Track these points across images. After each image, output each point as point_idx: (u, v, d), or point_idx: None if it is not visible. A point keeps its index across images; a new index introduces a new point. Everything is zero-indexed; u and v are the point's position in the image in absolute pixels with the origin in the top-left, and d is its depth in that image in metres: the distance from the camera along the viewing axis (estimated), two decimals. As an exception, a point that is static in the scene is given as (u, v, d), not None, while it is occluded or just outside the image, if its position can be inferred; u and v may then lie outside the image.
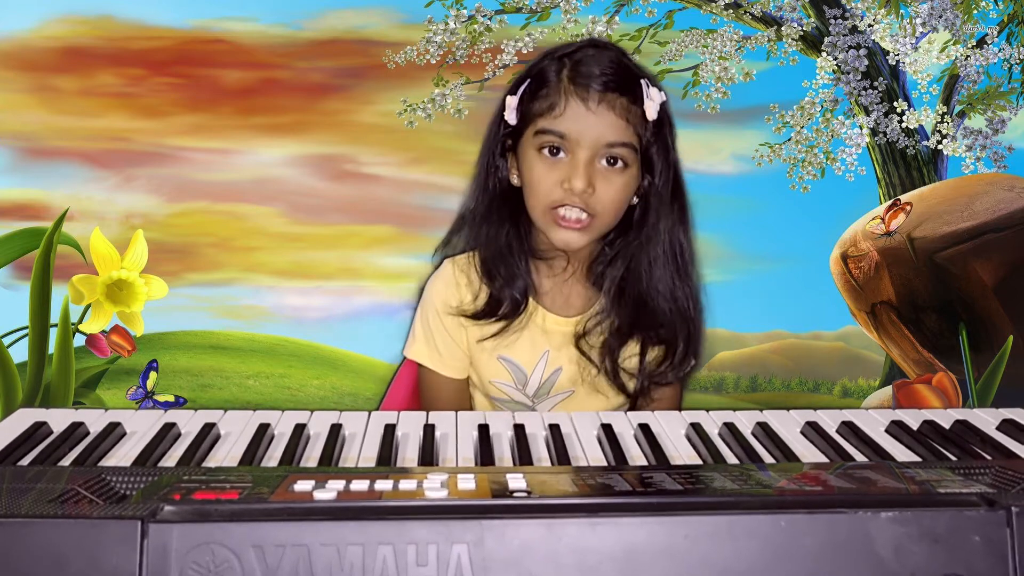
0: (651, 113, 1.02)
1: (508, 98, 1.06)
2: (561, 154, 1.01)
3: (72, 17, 1.68)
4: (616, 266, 1.08)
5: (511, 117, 1.05)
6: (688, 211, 1.10)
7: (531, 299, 1.11)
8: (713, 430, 0.83)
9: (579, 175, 0.99)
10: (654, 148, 1.04)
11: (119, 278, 1.73)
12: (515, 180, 1.09)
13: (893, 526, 0.54)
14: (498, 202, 1.10)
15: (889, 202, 1.82)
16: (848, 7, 1.78)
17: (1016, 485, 0.59)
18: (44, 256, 1.71)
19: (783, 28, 1.78)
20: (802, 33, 1.78)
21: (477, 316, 1.10)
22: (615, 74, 1.01)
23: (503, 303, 1.09)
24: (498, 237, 1.09)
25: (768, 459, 0.76)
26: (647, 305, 1.07)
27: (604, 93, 1.00)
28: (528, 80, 1.05)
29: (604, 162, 1.01)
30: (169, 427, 0.80)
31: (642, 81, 1.02)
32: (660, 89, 1.04)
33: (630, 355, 1.10)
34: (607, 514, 0.54)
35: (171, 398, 1.77)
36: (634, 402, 1.12)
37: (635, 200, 1.08)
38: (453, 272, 1.14)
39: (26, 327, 1.73)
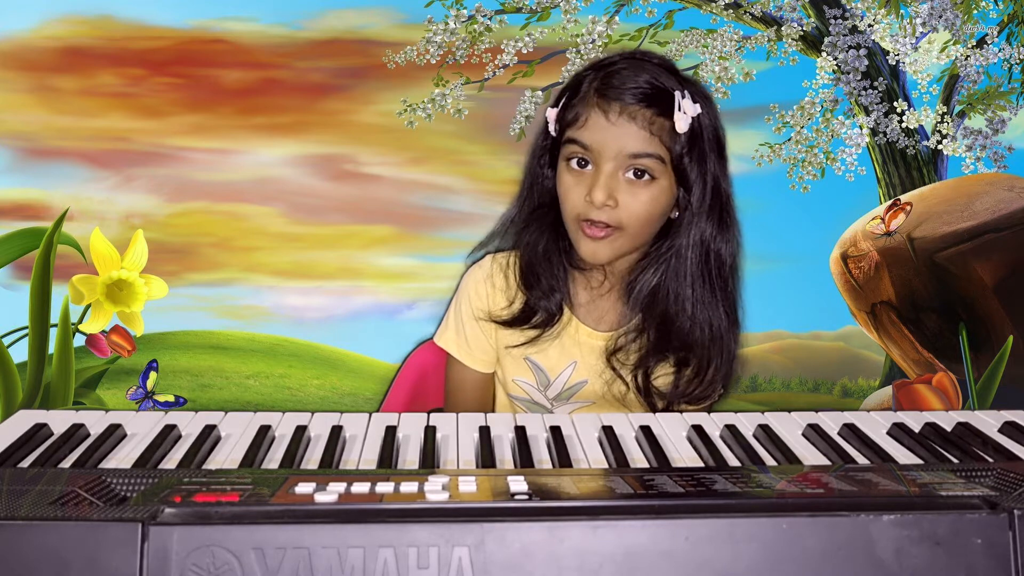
0: (681, 126, 0.99)
1: (549, 110, 1.07)
2: (588, 166, 1.02)
3: (72, 17, 1.67)
4: (646, 276, 1.06)
5: (552, 128, 1.07)
6: (732, 226, 1.08)
7: (566, 309, 1.10)
8: (714, 432, 0.83)
9: (599, 187, 0.99)
10: (687, 160, 1.01)
11: (119, 278, 1.73)
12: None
13: (894, 529, 0.54)
14: (541, 211, 1.10)
15: (889, 202, 1.82)
16: (848, 7, 1.78)
17: (1018, 488, 0.59)
18: (44, 256, 1.71)
19: (783, 28, 1.78)
20: (802, 33, 1.78)
21: (510, 323, 1.10)
22: (642, 87, 1.00)
23: (537, 313, 1.09)
24: (538, 245, 1.09)
25: (769, 461, 0.76)
26: (674, 324, 1.05)
27: (626, 105, 0.99)
28: (567, 92, 1.06)
29: (631, 174, 1.00)
30: (170, 429, 0.80)
31: (676, 93, 1.00)
32: (705, 100, 1.02)
33: (663, 374, 1.09)
34: (608, 517, 0.54)
35: (171, 398, 1.77)
36: None
37: (675, 214, 1.06)
38: (491, 270, 1.14)
39: (26, 327, 1.73)
